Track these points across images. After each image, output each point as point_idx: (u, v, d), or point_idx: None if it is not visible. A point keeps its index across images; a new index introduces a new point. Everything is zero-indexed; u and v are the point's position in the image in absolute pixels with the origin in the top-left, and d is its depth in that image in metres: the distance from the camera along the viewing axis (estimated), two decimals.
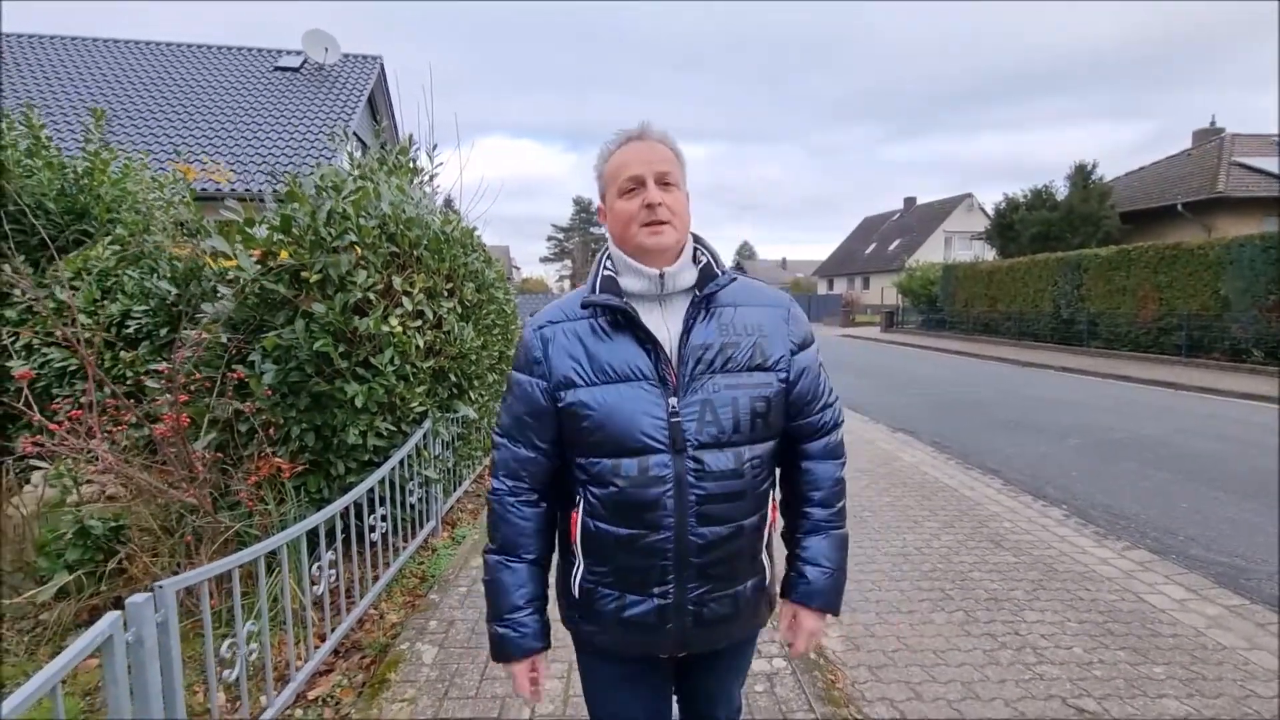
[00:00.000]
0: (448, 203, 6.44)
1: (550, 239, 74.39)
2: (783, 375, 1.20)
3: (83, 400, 3.54)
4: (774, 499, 1.26)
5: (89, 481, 3.50)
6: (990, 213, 24.13)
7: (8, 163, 5.16)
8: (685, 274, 1.20)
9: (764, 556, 1.27)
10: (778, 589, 1.35)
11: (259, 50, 16.33)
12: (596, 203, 1.29)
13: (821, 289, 47.46)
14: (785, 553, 1.35)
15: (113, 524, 2.94)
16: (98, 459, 2.60)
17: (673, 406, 1.13)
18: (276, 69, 15.58)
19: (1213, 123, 21.88)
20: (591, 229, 66.97)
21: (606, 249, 1.26)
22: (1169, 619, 3.16)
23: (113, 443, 2.92)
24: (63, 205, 5.51)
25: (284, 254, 2.90)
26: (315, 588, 2.49)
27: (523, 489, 1.25)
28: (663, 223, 1.16)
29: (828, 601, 1.27)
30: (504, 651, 1.25)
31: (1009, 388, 10.91)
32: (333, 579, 2.62)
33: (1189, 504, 4.78)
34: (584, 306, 1.22)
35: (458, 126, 12.35)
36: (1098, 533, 4.29)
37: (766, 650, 2.72)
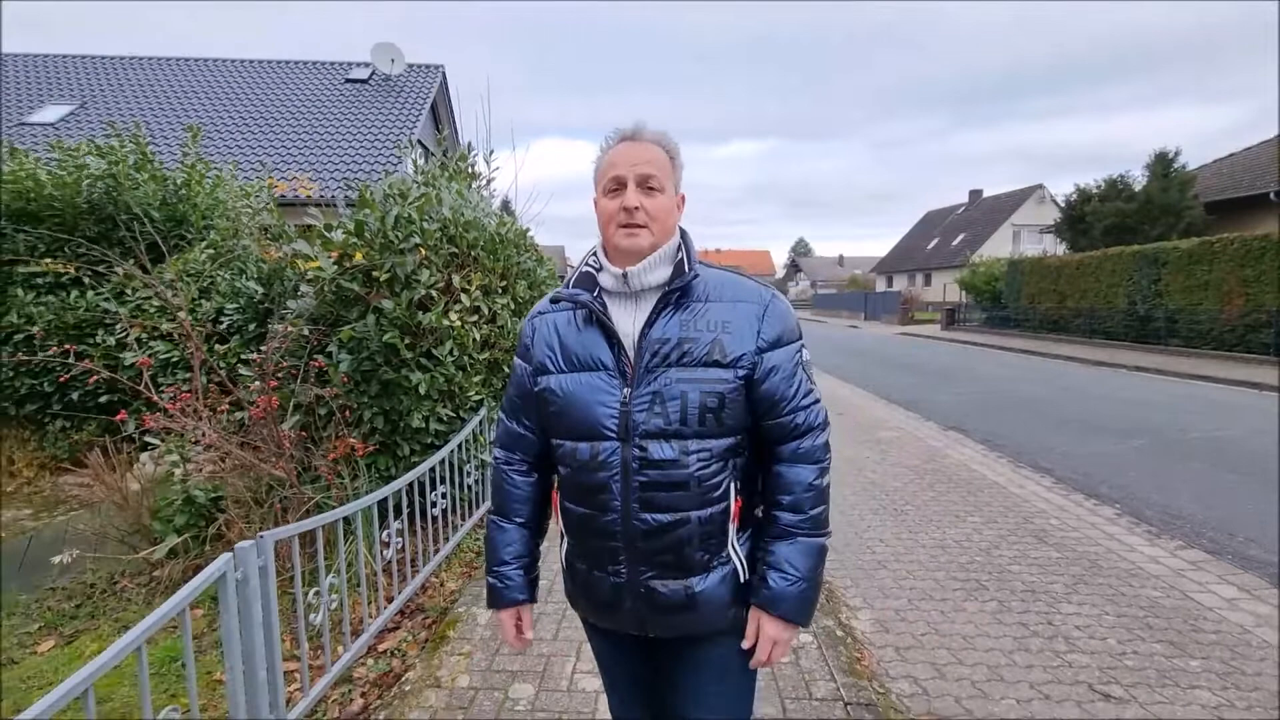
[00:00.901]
0: (504, 205, 6.79)
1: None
2: (742, 373, 1.19)
3: (184, 387, 4.00)
4: (736, 495, 1.24)
5: (191, 460, 3.97)
6: (1063, 205, 23.02)
7: (121, 177, 5.78)
8: (656, 272, 1.22)
9: (732, 553, 1.25)
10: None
11: (331, 64, 17.32)
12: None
13: (880, 285, 46.23)
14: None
15: (213, 494, 3.35)
16: (204, 437, 2.99)
17: (626, 396, 1.19)
18: (347, 81, 16.49)
19: None
20: None
21: (599, 242, 1.31)
22: (1215, 616, 3.12)
23: (214, 424, 3.32)
24: (165, 213, 6.12)
25: (358, 255, 3.23)
26: (385, 552, 2.80)
27: (515, 460, 1.37)
28: (639, 226, 1.20)
29: (791, 610, 1.21)
30: (492, 600, 1.37)
31: (1073, 386, 10.50)
32: (399, 548, 2.92)
33: (1254, 506, 4.59)
34: (552, 301, 1.31)
35: (513, 132, 12.77)
36: (1150, 532, 4.20)
37: None
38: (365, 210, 3.56)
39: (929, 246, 41.92)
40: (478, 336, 3.81)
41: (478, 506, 4.09)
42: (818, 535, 1.24)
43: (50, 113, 14.24)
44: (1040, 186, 36.75)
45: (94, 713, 1.35)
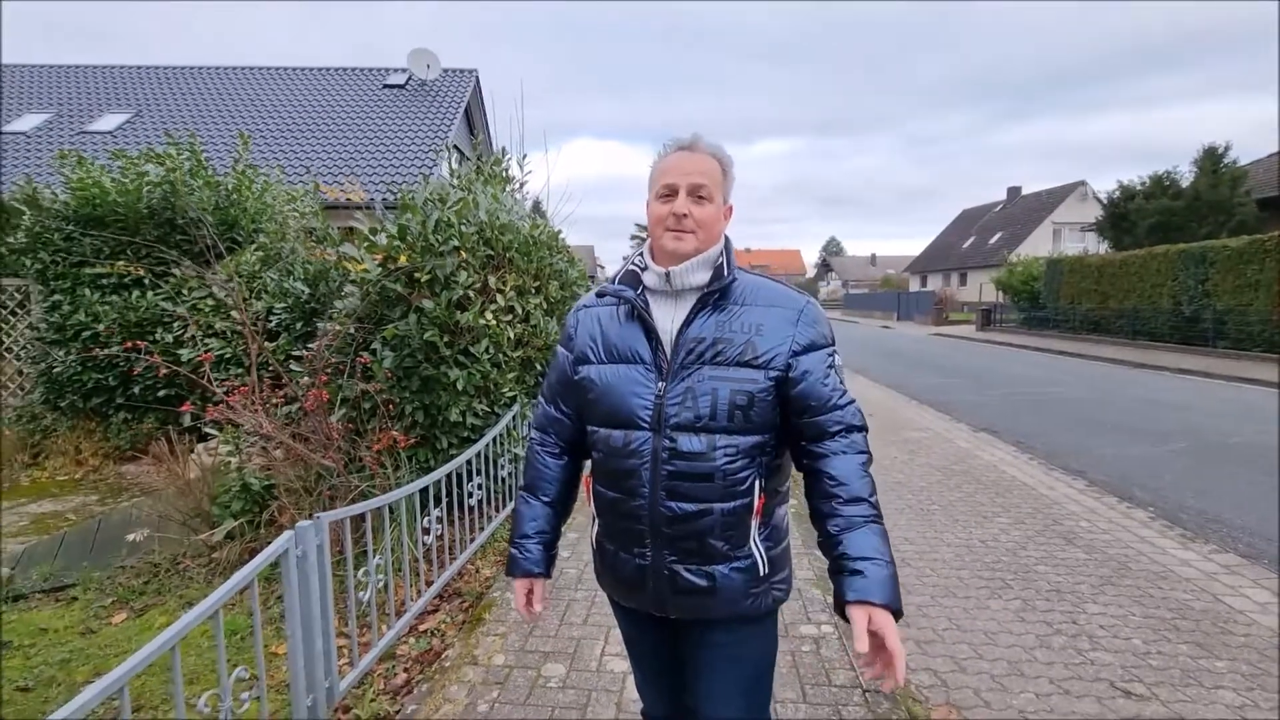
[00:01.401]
0: (535, 205, 6.97)
1: (634, 238, 75.35)
2: (775, 374, 1.24)
3: (237, 382, 4.25)
4: (760, 492, 1.27)
5: (243, 450, 4.21)
6: (1105, 202, 22.35)
7: (178, 183, 6.12)
8: (697, 274, 1.29)
9: (754, 547, 1.28)
10: (786, 586, 1.37)
11: (369, 70, 17.81)
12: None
13: (914, 285, 45.43)
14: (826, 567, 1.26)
15: (266, 482, 3.57)
16: (261, 428, 3.21)
17: (660, 390, 1.25)
18: (385, 86, 16.95)
19: None
20: None
21: (648, 242, 1.39)
22: (1245, 619, 3.09)
23: (270, 416, 3.54)
24: (218, 217, 6.44)
25: (403, 257, 3.41)
26: (426, 539, 2.97)
27: (549, 441, 1.45)
28: (686, 231, 1.27)
29: (890, 596, 1.15)
30: (510, 568, 1.46)
31: (1112, 389, 10.26)
32: (438, 535, 3.09)
33: None
34: (598, 295, 1.40)
35: (545, 136, 13.03)
36: (1184, 535, 4.15)
37: (815, 617, 2.95)
38: (407, 214, 3.75)
39: (965, 245, 41.05)
40: (512, 335, 3.96)
41: (511, 499, 4.25)
42: (880, 520, 1.23)
43: (108, 121, 14.98)
44: (1082, 183, 35.72)
45: (180, 668, 1.52)
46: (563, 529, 1.51)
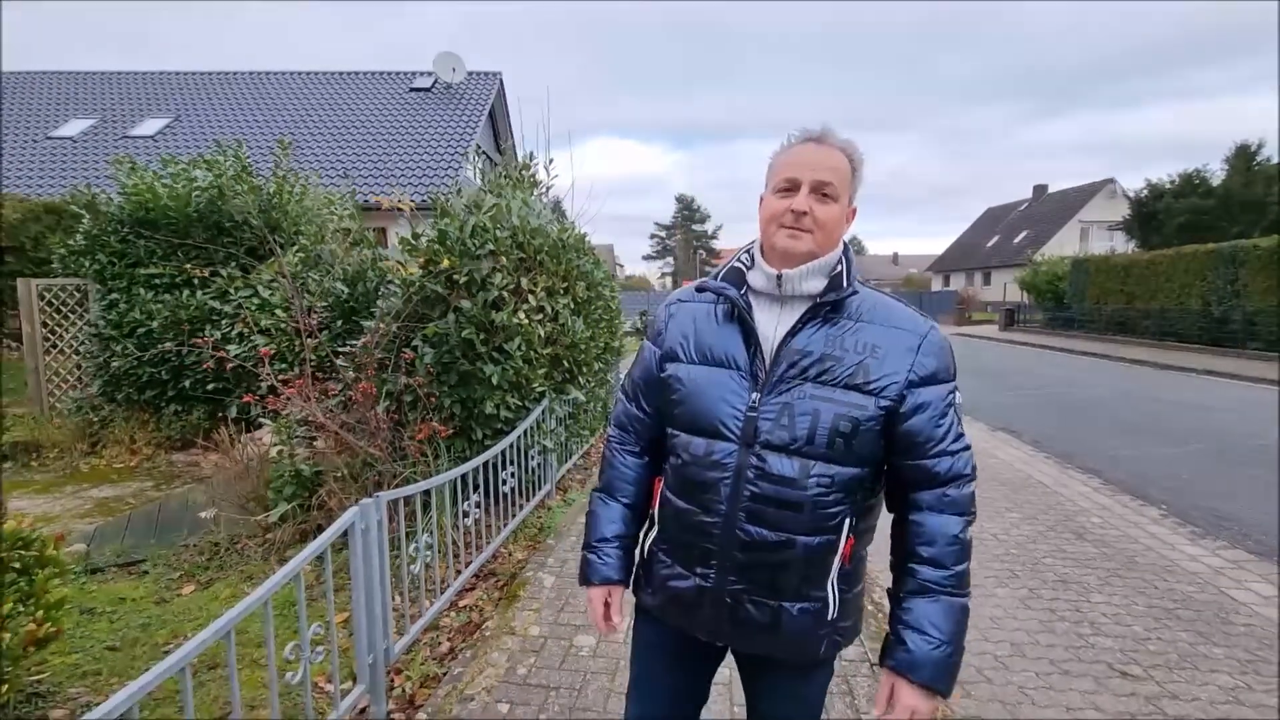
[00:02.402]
0: (556, 204, 7.19)
1: (653, 237, 75.46)
2: (885, 404, 1.13)
3: (285, 376, 4.53)
4: (849, 532, 1.18)
5: (292, 440, 4.50)
6: (1133, 201, 22.02)
7: (225, 188, 6.46)
8: (811, 281, 1.19)
9: (829, 589, 1.18)
10: (850, 634, 1.28)
11: (396, 73, 18.24)
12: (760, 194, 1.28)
13: (937, 285, 45.00)
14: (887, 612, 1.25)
15: (316, 469, 3.84)
16: (314, 418, 3.48)
17: (754, 401, 1.15)
18: (411, 90, 17.36)
19: None
20: (693, 226, 67.30)
21: (757, 240, 1.28)
22: (1247, 611, 3.21)
23: (322, 407, 3.81)
24: (261, 220, 6.77)
25: (445, 261, 3.66)
26: (465, 521, 3.21)
27: (629, 440, 1.37)
28: (803, 230, 1.16)
29: (934, 677, 1.10)
30: (586, 574, 1.35)
31: (1135, 390, 10.22)
32: (476, 519, 3.33)
33: None
34: (698, 290, 1.31)
35: (570, 136, 13.25)
36: (1194, 532, 4.24)
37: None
38: (445, 220, 3.99)
39: (989, 244, 40.57)
40: (542, 334, 4.19)
41: (539, 488, 4.48)
42: (961, 594, 1.14)
43: (150, 126, 15.58)
44: (1111, 181, 35.12)
45: (272, 623, 1.76)
46: (649, 538, 1.36)
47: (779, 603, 1.17)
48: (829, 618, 1.19)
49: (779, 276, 1.19)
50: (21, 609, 2.09)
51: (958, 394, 1.21)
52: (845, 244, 1.24)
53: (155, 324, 6.12)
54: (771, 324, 1.20)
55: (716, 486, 1.16)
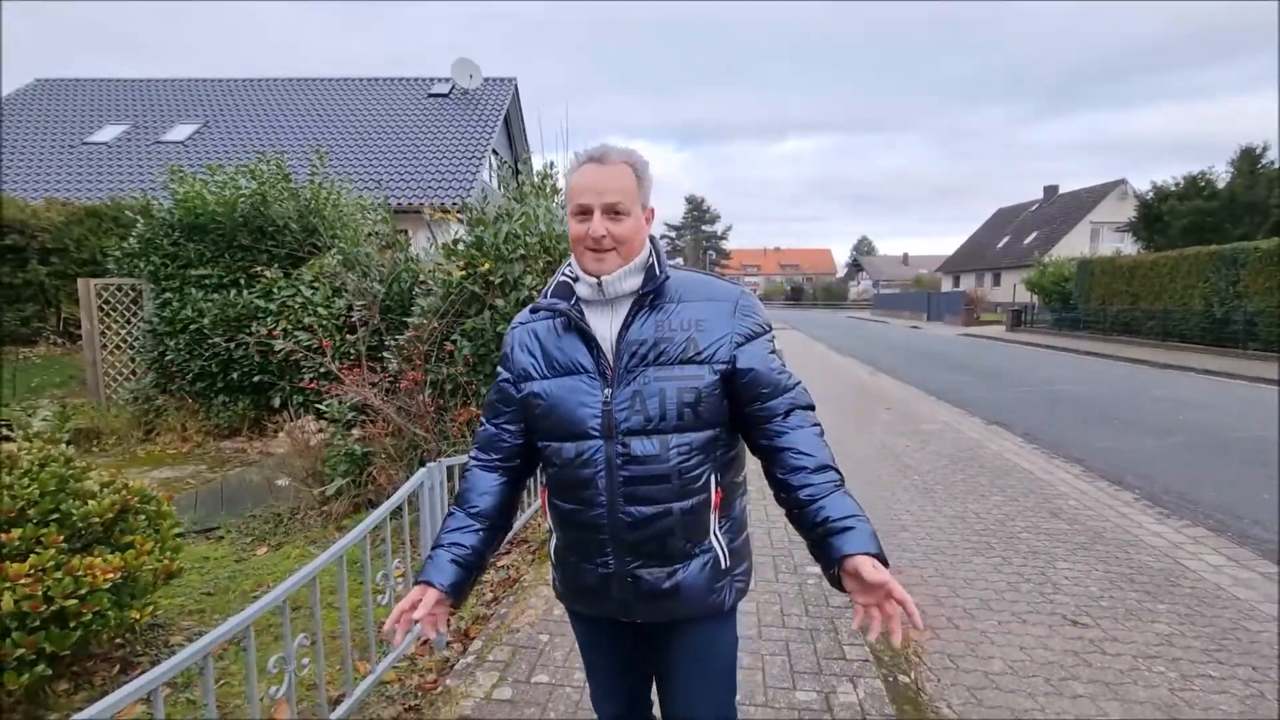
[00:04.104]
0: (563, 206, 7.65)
1: (663, 237, 75.87)
2: (720, 367, 1.25)
3: (338, 366, 5.02)
4: (717, 486, 1.29)
5: (341, 422, 4.99)
6: (1138, 203, 22.22)
7: (268, 195, 6.97)
8: (629, 280, 1.29)
9: (714, 540, 1.30)
10: (746, 578, 1.39)
11: (415, 79, 18.80)
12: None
13: (946, 285, 45.11)
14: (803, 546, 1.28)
15: (366, 449, 4.33)
16: (370, 402, 3.96)
17: (607, 397, 1.25)
18: (429, 96, 17.91)
19: None
20: (703, 227, 67.67)
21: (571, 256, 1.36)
22: (1195, 577, 3.61)
23: (377, 394, 4.30)
24: (301, 224, 7.28)
25: (485, 265, 4.13)
26: None
27: (485, 459, 1.41)
28: (604, 250, 1.26)
29: (879, 548, 1.17)
30: (418, 574, 1.36)
31: (1132, 388, 10.55)
32: None
33: (1271, 496, 4.93)
34: (532, 311, 1.39)
35: (583, 138, 13.68)
36: (1161, 513, 4.63)
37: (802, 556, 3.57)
38: (480, 227, 4.46)
39: (999, 245, 40.70)
40: None
41: None
42: (845, 485, 1.26)
43: (180, 131, 16.21)
44: (1122, 181, 35.19)
45: (345, 578, 2.22)
46: (490, 558, 1.43)
47: (673, 566, 1.27)
48: (723, 567, 1.31)
49: (599, 283, 1.28)
50: (152, 549, 2.57)
51: (775, 341, 1.37)
52: (652, 238, 1.35)
53: (206, 320, 6.64)
54: (606, 324, 1.29)
55: (593, 481, 1.25)
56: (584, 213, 1.27)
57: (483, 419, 1.45)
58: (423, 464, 4.21)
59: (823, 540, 1.19)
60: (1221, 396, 9.64)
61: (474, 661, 2.65)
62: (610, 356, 1.27)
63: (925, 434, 7.24)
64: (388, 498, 2.68)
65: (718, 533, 1.30)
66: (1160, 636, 2.97)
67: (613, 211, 1.26)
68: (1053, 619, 3.13)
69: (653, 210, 1.38)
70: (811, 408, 1.32)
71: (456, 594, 1.32)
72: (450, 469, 2.88)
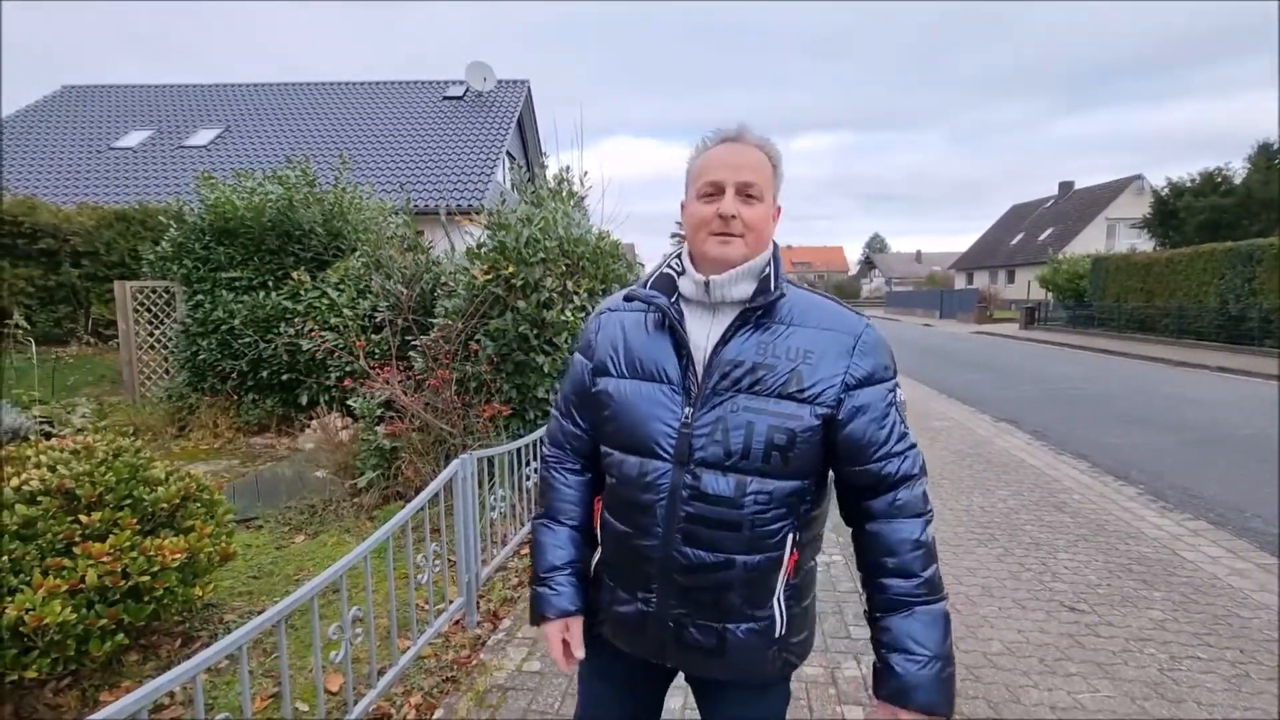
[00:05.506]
0: (578, 202, 7.83)
1: (674, 235, 75.96)
2: (823, 411, 1.09)
3: (370, 364, 5.25)
4: (793, 547, 1.13)
5: (370, 418, 5.22)
6: (1153, 199, 22.07)
7: (295, 200, 7.23)
8: (740, 285, 1.14)
9: (775, 607, 1.14)
10: (802, 650, 1.24)
11: (430, 83, 19.10)
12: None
13: (960, 283, 44.89)
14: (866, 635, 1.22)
15: (394, 444, 4.55)
16: (399, 398, 4.18)
17: (687, 417, 1.10)
18: (445, 98, 18.19)
19: None
20: None
21: (684, 246, 1.23)
22: (1192, 567, 3.74)
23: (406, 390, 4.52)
24: (326, 228, 7.54)
25: (509, 268, 4.33)
26: (527, 483, 3.87)
27: (567, 458, 1.29)
28: (734, 235, 1.12)
29: (930, 699, 1.04)
30: (538, 610, 1.24)
31: (1144, 386, 10.58)
32: (535, 482, 3.99)
33: (1272, 490, 5.02)
34: (626, 299, 1.23)
35: (589, 136, 13.89)
36: (1164, 507, 4.75)
37: (828, 550, 3.74)
38: (503, 231, 4.66)
39: (1013, 242, 40.45)
40: None
41: None
42: (935, 599, 1.10)
43: (202, 136, 16.59)
44: (1139, 177, 34.88)
45: (391, 559, 2.43)
46: (594, 560, 1.30)
47: (723, 624, 1.13)
48: (776, 635, 1.15)
49: (707, 283, 1.14)
50: (211, 533, 2.79)
51: (899, 391, 1.17)
52: (775, 245, 1.20)
53: (236, 321, 6.91)
54: (703, 332, 1.15)
55: (652, 509, 1.12)
56: (713, 192, 1.14)
57: (552, 411, 1.35)
58: (449, 458, 4.44)
59: (876, 657, 1.13)
60: (1234, 394, 9.66)
61: (504, 638, 2.85)
62: (700, 371, 1.12)
63: (934, 430, 7.37)
64: (416, 490, 2.89)
65: (781, 597, 1.14)
66: (1154, 622, 3.11)
67: (746, 193, 1.12)
68: (1051, 605, 3.28)
69: (780, 208, 1.22)
70: (920, 477, 1.15)
71: (584, 606, 1.26)
72: (479, 462, 3.08)
